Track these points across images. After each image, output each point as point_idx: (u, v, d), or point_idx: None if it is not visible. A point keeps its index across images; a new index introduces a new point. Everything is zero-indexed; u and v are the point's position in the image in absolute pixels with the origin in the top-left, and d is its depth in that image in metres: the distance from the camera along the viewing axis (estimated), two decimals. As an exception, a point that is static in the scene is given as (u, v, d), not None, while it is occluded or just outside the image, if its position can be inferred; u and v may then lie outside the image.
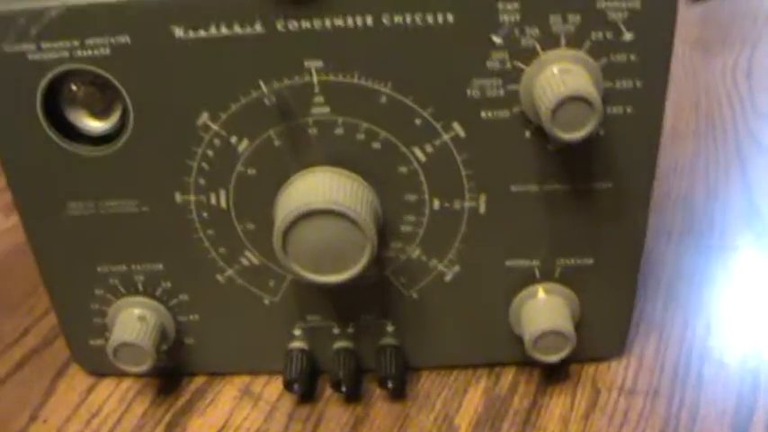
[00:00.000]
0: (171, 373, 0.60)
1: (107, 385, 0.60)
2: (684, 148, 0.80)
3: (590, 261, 0.54)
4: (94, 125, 0.51)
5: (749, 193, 0.75)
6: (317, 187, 0.49)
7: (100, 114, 0.50)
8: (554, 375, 0.59)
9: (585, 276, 0.55)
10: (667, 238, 0.70)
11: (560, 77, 0.46)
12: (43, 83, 0.48)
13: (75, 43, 0.47)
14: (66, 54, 0.47)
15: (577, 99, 0.45)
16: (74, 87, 0.50)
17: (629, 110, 0.49)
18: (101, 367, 0.60)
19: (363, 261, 0.49)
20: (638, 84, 0.48)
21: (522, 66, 0.47)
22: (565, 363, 0.58)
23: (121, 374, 0.60)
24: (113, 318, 0.56)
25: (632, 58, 0.47)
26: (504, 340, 0.57)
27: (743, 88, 0.91)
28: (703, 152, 0.80)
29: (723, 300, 0.65)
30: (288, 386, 0.56)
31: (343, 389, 0.56)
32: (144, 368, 0.55)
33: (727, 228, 0.72)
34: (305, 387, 0.57)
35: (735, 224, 0.72)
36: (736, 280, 0.66)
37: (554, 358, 0.54)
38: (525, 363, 0.59)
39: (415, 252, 0.54)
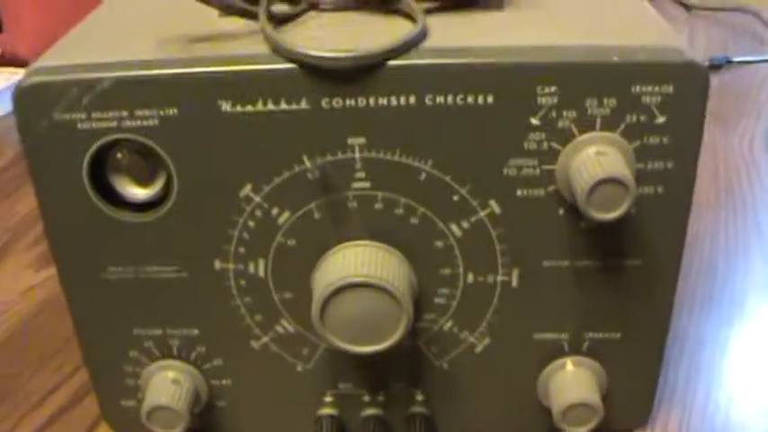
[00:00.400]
0: (201, 435, 0.60)
1: (136, 445, 0.61)
2: (705, 219, 0.81)
3: (617, 335, 0.55)
4: (138, 192, 0.52)
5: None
6: (356, 260, 0.50)
7: (144, 182, 0.52)
8: (580, 446, 0.59)
9: (613, 350, 0.56)
10: (689, 307, 0.71)
11: (597, 159, 0.47)
12: (91, 151, 0.49)
13: (125, 113, 0.48)
14: (114, 124, 0.49)
15: (613, 181, 0.46)
16: (119, 156, 0.51)
17: (659, 190, 0.50)
18: (131, 428, 0.60)
19: (399, 332, 0.50)
20: (670, 165, 0.49)
21: (559, 147, 0.49)
22: (591, 433, 0.59)
23: (151, 435, 0.60)
24: (147, 380, 0.57)
25: (665, 140, 0.49)
26: (532, 411, 0.58)
27: (760, 160, 0.92)
28: (723, 222, 0.81)
29: (746, 369, 0.65)
30: (318, 452, 0.57)
31: (373, 456, 0.57)
32: (177, 431, 0.55)
33: (748, 297, 0.73)
34: (334, 453, 0.57)
35: (756, 293, 0.73)
36: (758, 349, 0.67)
37: (582, 430, 0.55)
38: (551, 433, 0.59)
39: (448, 324, 0.54)
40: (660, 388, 0.61)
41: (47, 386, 0.66)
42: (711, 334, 0.69)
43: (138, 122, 0.49)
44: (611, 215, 0.47)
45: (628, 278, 0.53)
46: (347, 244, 0.51)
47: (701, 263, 0.76)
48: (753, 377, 0.65)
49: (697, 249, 0.77)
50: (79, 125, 0.49)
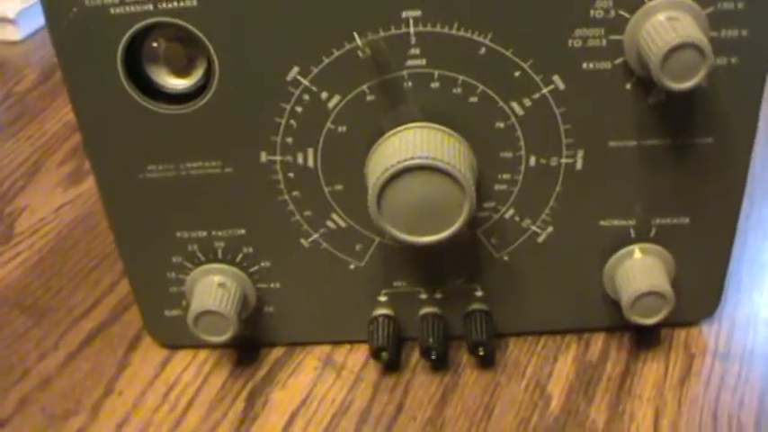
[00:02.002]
0: (249, 343, 0.58)
1: (183, 357, 0.59)
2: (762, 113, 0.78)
3: (686, 220, 0.53)
4: (177, 83, 0.49)
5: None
6: (414, 143, 0.47)
7: (182, 72, 0.49)
8: (645, 341, 0.57)
9: (681, 236, 0.53)
10: (750, 198, 0.68)
11: (669, 25, 0.44)
12: (125, 38, 0.46)
13: (160, -6, 0.45)
14: (149, 7, 0.46)
15: (688, 46, 0.43)
16: (155, 44, 0.48)
17: (733, 60, 0.47)
18: (176, 339, 0.58)
19: (461, 220, 0.47)
20: (744, 33, 0.46)
21: (627, 14, 0.46)
22: (656, 328, 0.57)
23: (197, 346, 0.58)
24: (191, 286, 0.54)
25: (739, 5, 0.45)
26: (596, 304, 0.56)
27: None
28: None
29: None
30: (375, 354, 0.54)
31: (433, 356, 0.54)
32: (226, 337, 0.53)
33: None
34: (392, 355, 0.55)
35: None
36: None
37: (652, 320, 0.52)
38: (615, 328, 0.57)
39: (509, 212, 0.52)
40: (726, 282, 0.58)
41: (87, 302, 0.64)
42: (774, 227, 0.66)
43: (175, 3, 0.46)
44: (687, 84, 0.44)
45: (698, 158, 0.50)
46: (403, 127, 0.48)
47: (759, 151, 0.73)
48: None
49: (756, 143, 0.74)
50: (112, 10, 0.46)
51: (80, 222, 0.71)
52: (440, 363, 0.56)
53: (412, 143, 0.46)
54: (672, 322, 0.56)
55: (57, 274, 0.66)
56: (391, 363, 0.56)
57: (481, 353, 0.54)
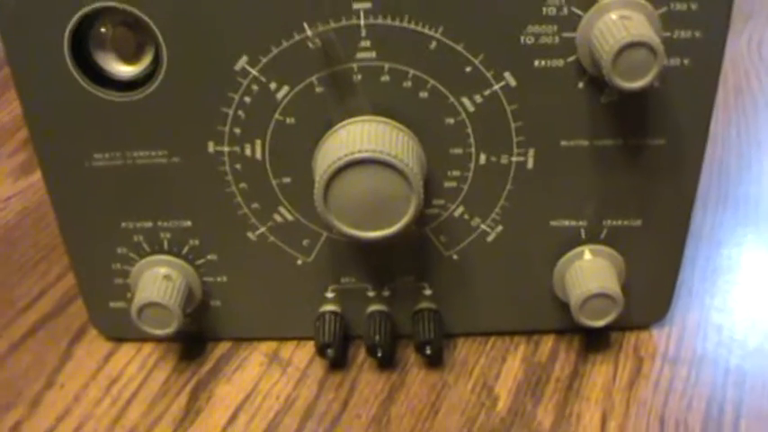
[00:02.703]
0: (194, 338, 0.57)
1: (126, 351, 0.58)
2: (715, 120, 0.77)
3: (638, 222, 0.52)
4: (124, 70, 0.48)
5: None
6: (362, 136, 0.46)
7: (131, 58, 0.48)
8: (595, 344, 0.57)
9: (633, 238, 0.53)
10: (704, 206, 0.68)
11: (621, 23, 0.44)
12: (72, 23, 0.45)
13: (108, -21, 0.44)
14: (97, -9, 0.45)
15: (640, 45, 0.43)
16: (103, 29, 0.47)
17: (686, 62, 0.47)
18: (120, 332, 0.57)
19: (408, 216, 0.46)
20: (698, 34, 0.46)
21: (580, 12, 0.45)
22: (605, 331, 0.56)
23: (142, 339, 0.57)
24: (136, 278, 0.54)
25: (692, 6, 0.45)
26: (546, 306, 0.55)
27: (770, 62, 0.89)
28: (734, 124, 0.78)
29: (762, 268, 0.62)
30: (321, 351, 0.54)
31: (379, 354, 0.54)
32: (169, 331, 0.52)
33: (762, 196, 0.69)
34: (338, 352, 0.54)
35: (769, 194, 0.70)
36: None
37: (600, 323, 0.52)
38: (565, 330, 0.57)
39: (458, 210, 0.51)
40: (677, 287, 0.57)
41: (32, 293, 0.63)
42: (728, 233, 0.66)
43: (124, -12, 0.45)
44: (638, 83, 0.44)
45: (650, 159, 0.50)
46: (352, 120, 0.48)
47: (713, 163, 0.73)
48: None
49: (708, 150, 0.74)
50: (58, -6, 0.45)
51: (29, 213, 0.70)
52: (386, 361, 0.55)
53: (360, 136, 0.46)
54: (622, 326, 0.56)
55: (2, 265, 0.65)
56: (337, 360, 0.55)
57: (428, 352, 0.54)
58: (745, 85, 0.84)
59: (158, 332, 0.52)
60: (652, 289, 0.55)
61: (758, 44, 0.90)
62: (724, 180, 0.71)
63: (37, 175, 0.73)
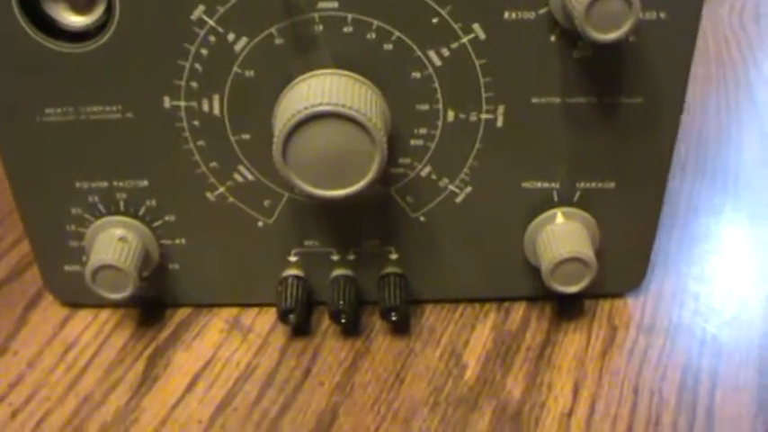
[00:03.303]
0: (152, 304, 0.55)
1: (83, 317, 0.56)
2: (695, 90, 0.76)
3: (612, 184, 0.51)
4: (75, 20, 0.46)
5: (765, 137, 0.71)
6: (323, 90, 0.44)
7: (82, 8, 0.46)
8: (567, 312, 0.55)
9: (607, 201, 0.51)
10: (681, 175, 0.66)
11: (595, -29, 0.42)
12: (20, -30, 0.43)
13: None
14: (47, -64, 0.42)
15: (614, -6, 0.41)
16: (54, -23, 0.45)
17: (662, 15, 0.45)
18: (76, 297, 0.55)
19: (371, 173, 0.44)
20: (675, -14, 0.44)
21: (551, -40, 0.43)
22: (579, 298, 0.55)
23: (99, 305, 0.56)
24: (91, 240, 0.52)
25: (669, -43, 0.43)
26: (517, 272, 0.53)
27: (752, 33, 0.87)
28: (714, 95, 0.76)
29: (742, 237, 0.61)
30: (282, 316, 0.52)
31: (343, 319, 0.52)
32: (124, 294, 0.50)
33: (742, 166, 0.68)
34: (300, 318, 0.52)
35: (750, 163, 0.68)
36: (754, 217, 0.62)
37: (573, 288, 0.50)
38: (536, 298, 0.55)
39: (425, 169, 0.49)
40: (652, 255, 0.56)
41: (-15, 258, 0.60)
42: (705, 202, 0.64)
43: (74, -68, 0.42)
44: (612, 35, 0.42)
45: (625, 118, 0.48)
46: (313, 73, 0.46)
47: (693, 133, 0.72)
48: (750, 245, 0.60)
49: (688, 118, 0.72)
50: (6, -62, 0.43)
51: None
52: (351, 327, 0.53)
53: (321, 90, 0.44)
54: (596, 293, 0.55)
55: (-45, 232, 0.63)
56: (300, 326, 0.54)
57: (394, 318, 0.52)
58: (726, 55, 0.82)
59: (113, 296, 0.50)
60: (627, 255, 0.53)
61: (739, 13, 0.89)
62: (702, 150, 0.70)
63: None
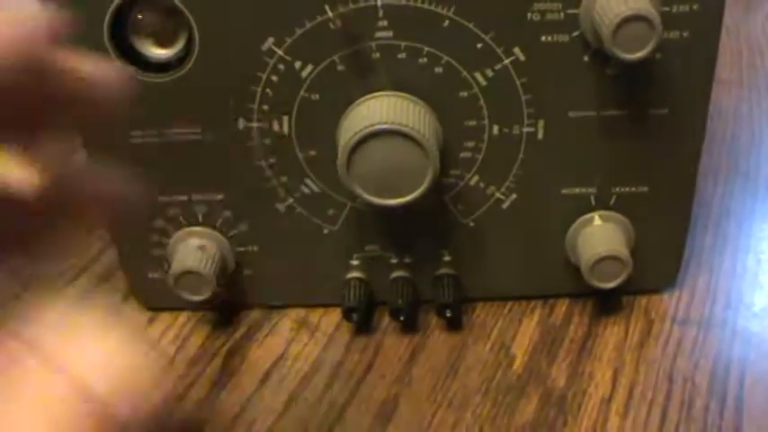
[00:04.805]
0: (227, 307, 0.61)
1: (164, 320, 0.61)
2: (728, 95, 0.80)
3: (645, 189, 0.55)
4: (160, 53, 0.51)
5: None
6: (381, 110, 0.49)
7: (165, 42, 0.51)
8: (607, 307, 0.59)
9: (640, 204, 0.55)
10: (714, 178, 0.70)
11: (621, -2, 0.46)
12: (111, 10, 0.49)
13: (143, -31, 0.48)
14: (133, -20, 0.48)
15: (638, 18, 0.46)
16: (140, 15, 0.50)
17: (685, 34, 0.49)
18: (158, 301, 0.60)
19: (425, 184, 0.49)
20: (696, 7, 0.49)
21: (583, -12, 0.48)
22: (617, 294, 0.59)
23: (178, 309, 0.61)
24: (173, 249, 0.57)
25: (690, -19, 0.48)
26: (559, 271, 0.58)
27: (784, 40, 0.91)
28: (746, 100, 0.80)
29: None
30: (346, 315, 0.57)
31: (402, 317, 0.57)
32: (204, 296, 0.55)
33: (772, 169, 0.72)
34: (363, 316, 0.57)
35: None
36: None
37: (611, 284, 0.55)
38: (578, 294, 0.59)
39: (474, 179, 0.54)
40: (687, 254, 0.60)
41: (73, 268, 0.66)
42: (737, 204, 0.68)
43: (158, -24, 0.48)
44: (638, 54, 0.46)
45: (654, 128, 0.53)
46: (372, 95, 0.51)
47: (725, 136, 0.76)
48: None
49: (720, 123, 0.77)
50: (98, -17, 0.48)
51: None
52: (409, 324, 0.58)
53: (379, 110, 0.49)
54: (633, 290, 0.59)
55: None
56: (362, 324, 0.58)
57: (448, 315, 0.57)
58: (759, 62, 0.86)
59: (194, 298, 0.55)
60: (661, 254, 0.58)
61: (773, 22, 0.92)
62: (734, 154, 0.73)
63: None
